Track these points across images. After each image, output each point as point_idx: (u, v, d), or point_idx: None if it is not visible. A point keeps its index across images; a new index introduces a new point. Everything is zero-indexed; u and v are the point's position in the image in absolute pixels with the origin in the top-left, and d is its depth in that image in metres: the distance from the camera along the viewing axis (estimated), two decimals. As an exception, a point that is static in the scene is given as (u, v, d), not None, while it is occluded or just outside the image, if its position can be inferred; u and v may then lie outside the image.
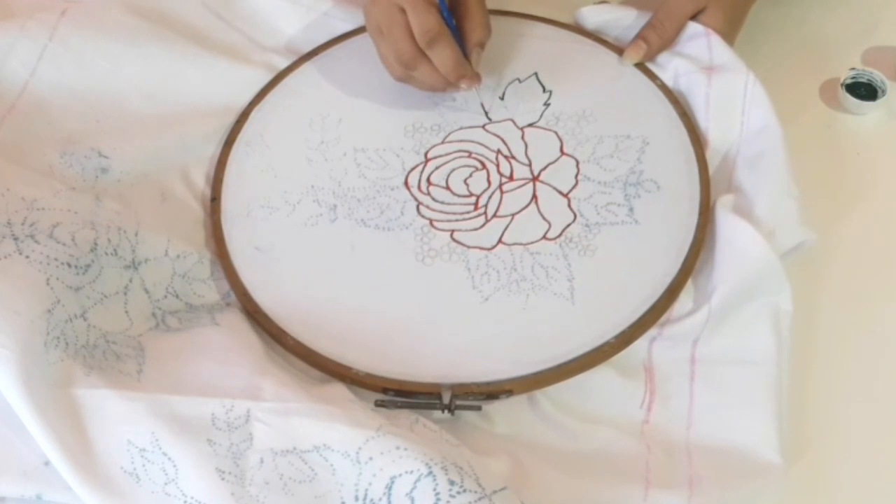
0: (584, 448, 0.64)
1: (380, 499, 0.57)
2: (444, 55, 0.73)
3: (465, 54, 0.75)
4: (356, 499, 0.58)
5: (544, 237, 0.71)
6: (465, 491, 0.56)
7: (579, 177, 0.74)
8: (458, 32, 0.75)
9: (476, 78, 0.76)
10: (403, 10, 0.72)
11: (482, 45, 0.76)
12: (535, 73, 0.80)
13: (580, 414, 0.65)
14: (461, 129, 0.78)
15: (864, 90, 0.81)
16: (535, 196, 0.73)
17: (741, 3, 0.80)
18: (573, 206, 0.72)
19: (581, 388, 0.66)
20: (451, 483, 0.56)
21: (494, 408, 0.66)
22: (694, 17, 0.79)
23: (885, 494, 0.63)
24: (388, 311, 0.69)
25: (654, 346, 0.67)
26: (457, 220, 0.73)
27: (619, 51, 0.81)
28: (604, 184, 0.73)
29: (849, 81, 0.81)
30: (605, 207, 0.72)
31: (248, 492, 0.59)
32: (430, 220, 0.73)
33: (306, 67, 0.83)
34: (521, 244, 0.71)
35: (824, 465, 0.64)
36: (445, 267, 0.70)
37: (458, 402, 0.64)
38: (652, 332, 0.67)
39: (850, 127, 0.80)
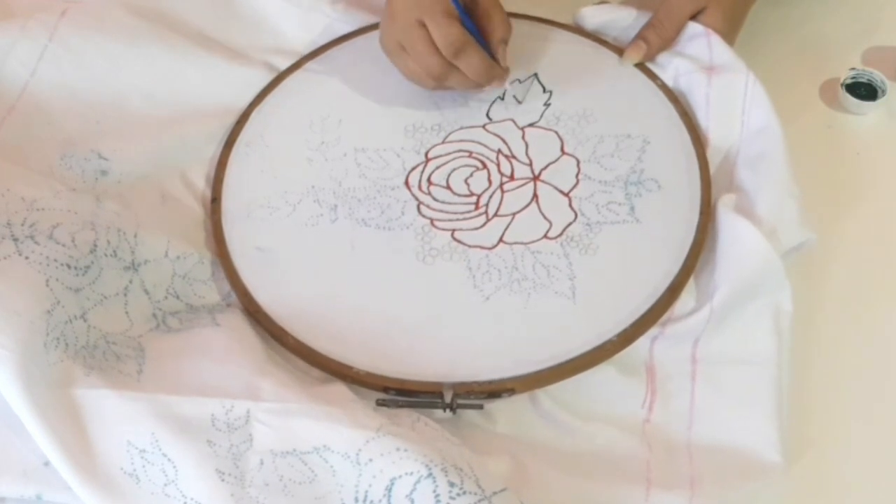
0: (586, 448, 0.64)
1: (380, 500, 0.57)
2: (472, 62, 0.74)
3: (491, 54, 0.75)
4: (356, 500, 0.58)
5: (545, 236, 0.71)
6: (464, 493, 0.56)
7: (580, 176, 0.74)
8: (479, 35, 0.75)
9: (505, 75, 0.77)
10: (424, 25, 0.72)
11: (506, 42, 0.76)
12: (535, 74, 0.80)
13: (582, 413, 0.65)
14: (461, 128, 0.78)
15: (864, 90, 0.81)
16: (535, 195, 0.73)
17: (741, 4, 0.80)
18: (574, 205, 0.73)
19: (583, 387, 0.66)
20: (451, 485, 0.56)
21: (496, 406, 0.66)
22: (694, 17, 0.79)
23: (886, 494, 0.63)
24: (389, 311, 0.69)
25: (656, 346, 0.67)
26: (457, 220, 0.73)
27: (619, 51, 0.81)
28: (605, 183, 0.73)
29: (849, 81, 0.81)
30: (606, 206, 0.72)
31: (248, 493, 0.59)
32: (431, 220, 0.73)
33: (306, 68, 0.83)
34: (522, 243, 0.71)
35: (825, 465, 0.64)
36: (446, 266, 0.70)
37: (460, 401, 0.64)
38: (653, 331, 0.67)
39: (850, 127, 0.80)
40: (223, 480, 0.58)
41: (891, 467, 0.64)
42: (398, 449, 0.58)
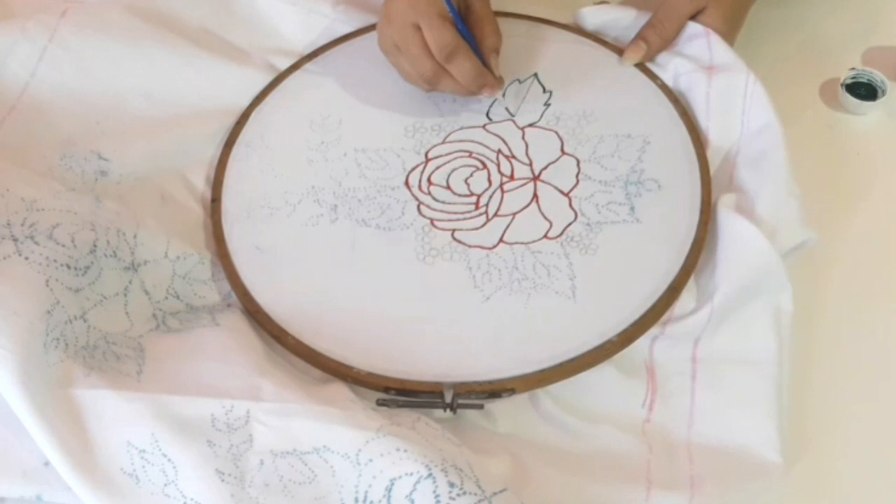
0: (586, 448, 0.64)
1: (379, 500, 0.57)
2: (463, 68, 0.74)
3: (484, 62, 0.75)
4: (356, 500, 0.58)
5: (545, 236, 0.71)
6: (464, 493, 0.56)
7: (580, 176, 0.74)
8: (473, 42, 0.75)
9: (497, 84, 0.77)
10: (419, 28, 0.72)
11: (497, 51, 0.76)
12: (535, 74, 0.80)
13: (582, 412, 0.65)
14: (462, 129, 0.78)
15: (864, 90, 0.81)
16: (535, 195, 0.73)
17: (741, 4, 0.80)
18: (574, 205, 0.73)
19: (583, 387, 0.66)
20: (451, 485, 0.56)
21: (496, 406, 0.66)
22: (693, 17, 0.79)
23: (886, 493, 0.63)
24: (389, 311, 0.69)
25: (656, 346, 0.67)
26: (458, 220, 0.73)
27: (619, 51, 0.80)
28: (605, 183, 0.73)
29: (849, 81, 0.81)
30: (607, 206, 0.72)
31: (248, 493, 0.59)
32: (431, 220, 0.73)
33: (306, 69, 0.83)
34: (522, 243, 0.71)
35: (825, 465, 0.64)
36: (446, 266, 0.70)
37: (460, 401, 0.64)
38: (654, 330, 0.67)
39: (850, 127, 0.80)
40: (223, 481, 0.58)
41: (891, 467, 0.64)
42: (398, 449, 0.58)
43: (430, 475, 0.57)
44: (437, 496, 0.56)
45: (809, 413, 0.65)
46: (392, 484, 0.57)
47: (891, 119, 0.80)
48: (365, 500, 0.57)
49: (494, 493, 0.57)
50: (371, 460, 0.58)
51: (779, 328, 0.66)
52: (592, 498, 0.61)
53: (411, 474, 0.57)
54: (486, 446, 0.63)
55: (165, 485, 0.59)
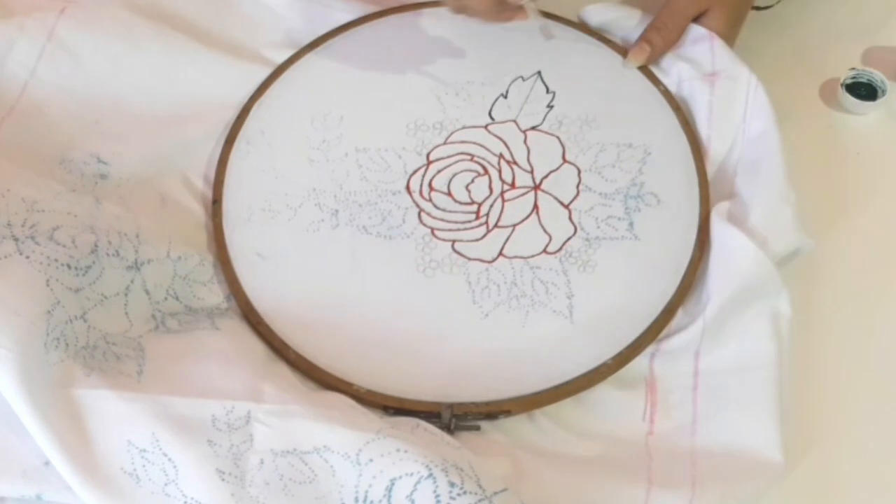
0: (586, 453, 0.64)
1: (380, 500, 0.57)
2: None
3: None
4: (356, 500, 0.58)
5: (544, 251, 0.71)
6: (465, 493, 0.56)
7: (580, 187, 0.73)
8: None
9: (513, 14, 0.76)
10: None
11: None
12: (539, 72, 0.80)
13: (581, 429, 0.65)
14: (463, 128, 0.77)
15: (864, 90, 0.81)
16: (536, 206, 0.73)
17: (743, 5, 0.80)
18: (574, 218, 0.72)
19: (582, 404, 0.66)
20: (452, 485, 0.56)
21: (493, 425, 0.66)
22: (696, 19, 0.78)
23: (887, 492, 0.63)
24: (389, 326, 0.68)
25: (655, 361, 0.67)
26: (458, 230, 0.72)
27: (623, 51, 0.80)
28: (604, 195, 0.73)
29: (849, 81, 0.81)
30: (606, 221, 0.72)
31: (249, 493, 0.58)
32: (432, 229, 0.72)
33: (306, 60, 0.81)
34: (521, 257, 0.71)
35: (827, 466, 0.64)
36: (446, 279, 0.70)
37: (458, 423, 0.64)
38: (650, 348, 0.67)
39: (850, 127, 0.80)
40: (223, 480, 0.58)
41: (891, 466, 0.64)
42: (398, 450, 0.58)
43: (430, 475, 0.56)
44: (437, 496, 0.56)
45: (810, 415, 0.65)
46: (392, 484, 0.57)
47: (891, 119, 0.80)
48: (365, 500, 0.57)
49: (495, 493, 0.57)
50: (371, 460, 0.58)
51: (778, 332, 0.66)
52: (592, 497, 0.61)
53: (412, 474, 0.57)
54: (485, 450, 0.63)
55: (166, 484, 0.59)
